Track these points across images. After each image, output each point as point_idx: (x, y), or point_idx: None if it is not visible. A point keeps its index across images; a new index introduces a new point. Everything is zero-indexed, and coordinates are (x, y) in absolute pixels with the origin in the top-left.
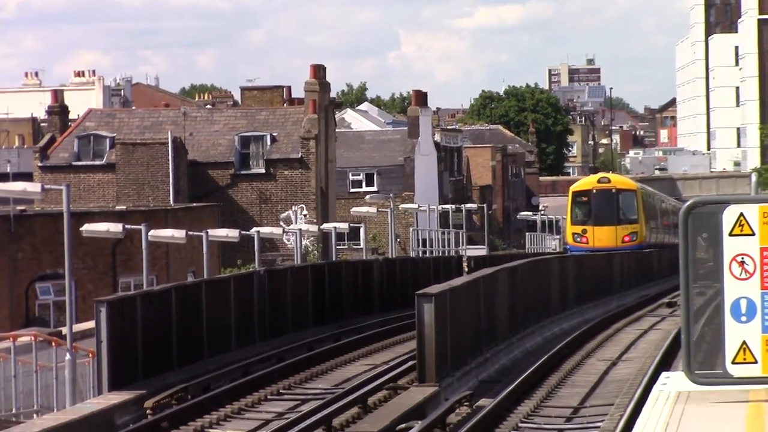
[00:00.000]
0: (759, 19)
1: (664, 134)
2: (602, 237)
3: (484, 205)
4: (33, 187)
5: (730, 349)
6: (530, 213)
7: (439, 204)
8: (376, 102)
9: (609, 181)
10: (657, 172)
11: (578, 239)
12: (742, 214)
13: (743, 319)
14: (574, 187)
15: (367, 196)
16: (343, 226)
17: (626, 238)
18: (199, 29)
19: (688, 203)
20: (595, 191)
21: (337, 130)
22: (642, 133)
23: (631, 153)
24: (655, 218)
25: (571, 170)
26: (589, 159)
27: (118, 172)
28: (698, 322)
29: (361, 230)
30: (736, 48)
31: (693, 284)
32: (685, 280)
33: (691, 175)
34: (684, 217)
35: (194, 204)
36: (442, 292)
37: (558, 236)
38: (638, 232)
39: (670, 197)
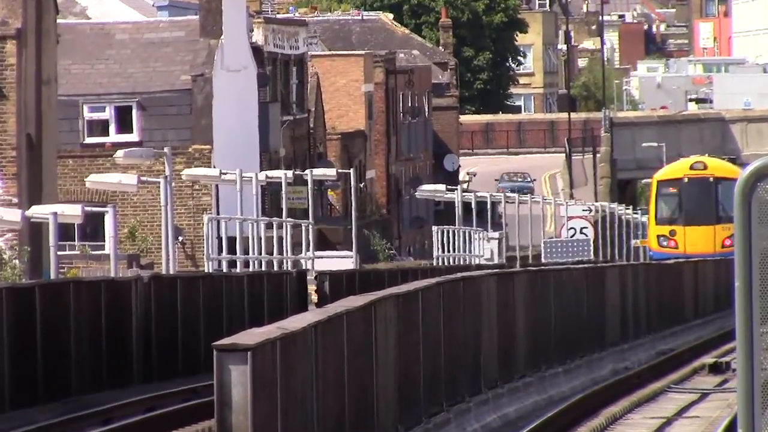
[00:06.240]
0: None
1: (704, 32)
2: (696, 240)
3: (351, 171)
4: None
5: None
6: (442, 187)
7: (263, 169)
8: None
9: (705, 167)
10: (693, 106)
11: (665, 243)
12: None
13: None
14: (659, 175)
15: (120, 152)
16: (73, 210)
17: (727, 242)
18: None
19: (751, 168)
20: (686, 180)
21: (60, 21)
22: (663, 29)
23: (642, 68)
24: None
25: (523, 102)
26: (559, 80)
27: None
28: None
29: (108, 219)
30: None
31: (762, 327)
32: (745, 319)
33: (759, 113)
34: (742, 195)
35: None
36: (265, 344)
37: (497, 233)
38: None
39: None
